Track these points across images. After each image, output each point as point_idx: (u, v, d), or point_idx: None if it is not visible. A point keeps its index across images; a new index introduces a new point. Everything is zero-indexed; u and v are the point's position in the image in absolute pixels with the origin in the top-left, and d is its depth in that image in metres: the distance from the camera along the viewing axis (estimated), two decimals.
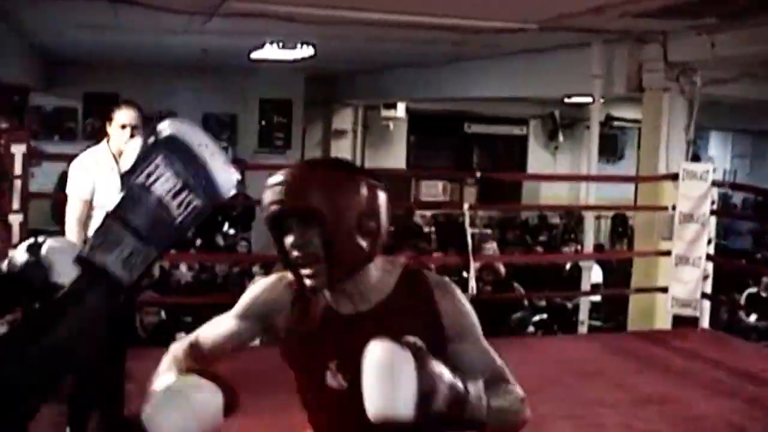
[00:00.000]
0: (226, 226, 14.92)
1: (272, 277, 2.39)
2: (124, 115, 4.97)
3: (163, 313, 7.64)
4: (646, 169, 9.02)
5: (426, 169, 18.57)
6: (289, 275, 2.27)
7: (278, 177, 2.14)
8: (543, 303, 11.18)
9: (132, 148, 5.00)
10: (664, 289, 8.17)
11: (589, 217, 9.97)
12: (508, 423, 2.22)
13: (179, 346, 2.41)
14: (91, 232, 4.55)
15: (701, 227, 7.95)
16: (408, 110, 17.34)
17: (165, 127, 1.67)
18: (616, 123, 17.32)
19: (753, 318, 11.07)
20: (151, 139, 1.66)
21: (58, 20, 9.78)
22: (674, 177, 8.14)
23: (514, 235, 16.22)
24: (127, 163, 4.97)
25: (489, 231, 15.65)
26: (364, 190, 2.18)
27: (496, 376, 2.28)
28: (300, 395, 2.37)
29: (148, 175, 1.62)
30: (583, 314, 8.99)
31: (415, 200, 17.74)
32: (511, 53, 10.80)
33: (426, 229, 15.69)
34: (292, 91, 16.79)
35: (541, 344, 8.59)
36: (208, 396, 2.07)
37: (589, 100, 10.50)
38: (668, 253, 8.14)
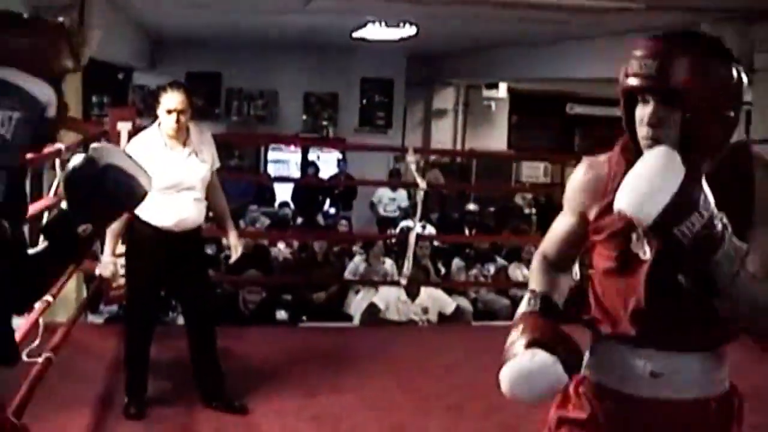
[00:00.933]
0: (327, 205, 15.00)
1: (580, 167, 2.39)
2: (169, 100, 4.87)
3: (264, 292, 7.69)
4: None
5: (527, 150, 18.38)
6: (595, 158, 2.35)
7: (647, 49, 2.12)
8: None
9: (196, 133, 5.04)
10: None
11: None
12: (756, 314, 2.10)
13: (535, 261, 2.51)
14: (143, 213, 4.82)
15: None
16: (509, 90, 17.21)
17: None
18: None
19: None
20: None
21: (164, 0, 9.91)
22: None
23: None
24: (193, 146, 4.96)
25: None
26: (734, 78, 2.10)
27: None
28: (603, 264, 2.32)
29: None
30: None
31: (517, 181, 17.64)
32: (616, 33, 10.59)
33: (527, 211, 15.53)
34: (394, 70, 16.77)
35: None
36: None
37: None
38: None
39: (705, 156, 2.11)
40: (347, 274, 9.49)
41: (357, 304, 8.64)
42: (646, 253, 2.19)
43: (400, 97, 17.08)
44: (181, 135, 4.92)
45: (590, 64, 12.14)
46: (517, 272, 10.74)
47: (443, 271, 10.74)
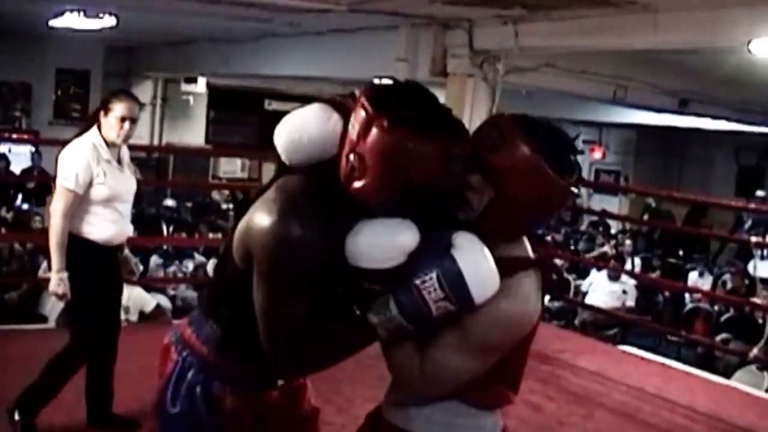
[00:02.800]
0: (19, 200, 14.33)
1: None
2: (124, 108, 4.59)
3: None
4: None
5: (225, 146, 18.34)
6: None
7: None
8: None
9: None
10: None
11: None
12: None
13: None
14: (86, 227, 4.58)
15: None
16: (209, 85, 17.09)
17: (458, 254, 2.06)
18: None
19: (546, 299, 11.42)
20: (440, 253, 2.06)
21: None
22: None
23: None
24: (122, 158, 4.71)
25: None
26: None
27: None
28: None
29: (423, 281, 2.05)
30: None
31: (214, 177, 17.57)
32: (319, 33, 10.76)
33: (224, 206, 15.51)
34: (91, 61, 16.21)
35: None
36: None
37: None
38: None
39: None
40: (41, 273, 9.12)
41: (53, 304, 8.32)
42: None
43: (97, 89, 16.51)
44: (120, 145, 4.68)
45: (291, 62, 12.26)
46: None
47: (141, 268, 10.57)
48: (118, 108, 4.59)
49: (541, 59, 9.04)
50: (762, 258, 13.38)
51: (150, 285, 9.09)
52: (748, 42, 6.53)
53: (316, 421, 2.71)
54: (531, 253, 2.29)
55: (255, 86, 17.58)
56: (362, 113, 2.05)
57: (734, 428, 5.81)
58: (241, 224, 2.23)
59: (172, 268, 10.68)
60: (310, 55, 11.64)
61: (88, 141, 4.61)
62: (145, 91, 17.36)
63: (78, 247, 4.56)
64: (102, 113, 4.61)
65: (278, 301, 2.12)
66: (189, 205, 14.99)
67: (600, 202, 18.63)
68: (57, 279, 4.58)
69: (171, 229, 12.97)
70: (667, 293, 12.84)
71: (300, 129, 2.30)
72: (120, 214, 4.66)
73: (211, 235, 12.29)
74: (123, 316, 7.56)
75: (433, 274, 2.04)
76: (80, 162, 4.53)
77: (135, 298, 7.86)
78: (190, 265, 10.85)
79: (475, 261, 2.05)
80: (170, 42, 14.69)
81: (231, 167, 18.27)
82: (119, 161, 4.69)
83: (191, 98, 17.42)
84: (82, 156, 4.54)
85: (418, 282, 2.05)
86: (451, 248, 2.07)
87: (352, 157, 2.06)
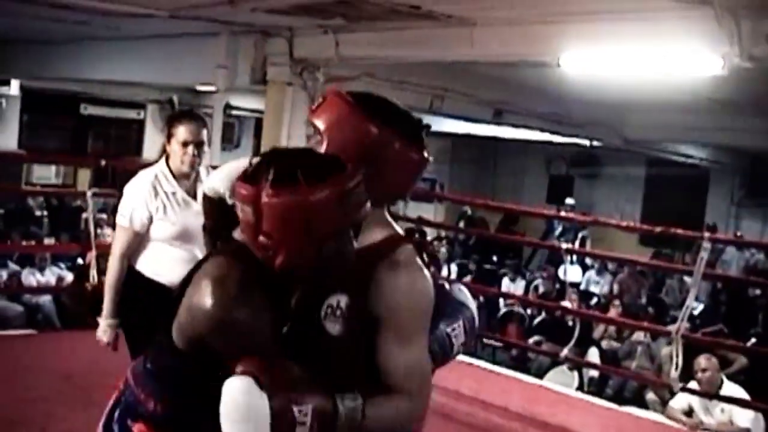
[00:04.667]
0: None
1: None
2: (186, 131, 4.19)
3: None
4: None
5: (39, 150, 17.83)
6: None
7: None
8: None
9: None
10: None
11: None
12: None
13: None
14: (143, 266, 4.19)
15: None
16: (22, 87, 16.60)
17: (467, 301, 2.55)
18: (234, 112, 17.45)
19: None
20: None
21: None
22: None
23: None
24: (196, 188, 4.19)
25: (104, 216, 15.30)
26: None
27: (396, 386, 2.20)
28: None
29: (453, 329, 2.44)
30: None
31: (27, 182, 17.06)
32: (139, 37, 10.62)
33: (38, 213, 15.11)
34: None
35: None
36: None
37: (208, 87, 10.52)
38: None
39: None
40: None
41: None
42: None
43: None
44: (192, 174, 4.24)
45: (109, 66, 12.08)
46: (30, 278, 10.47)
47: None
48: (180, 132, 4.22)
49: (361, 69, 9.16)
50: (571, 263, 13.94)
51: None
52: (559, 57, 6.79)
53: None
54: (399, 230, 2.37)
55: (71, 90, 17.16)
56: (243, 192, 2.05)
57: (547, 425, 6.05)
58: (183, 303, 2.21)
59: None
60: (130, 60, 11.48)
61: (151, 172, 4.26)
62: None
63: (141, 287, 4.20)
64: (167, 141, 4.27)
65: None
66: (1, 211, 14.52)
67: (416, 209, 18.91)
68: (105, 326, 4.30)
69: None
70: (481, 298, 13.20)
71: None
72: (191, 253, 4.10)
73: (24, 243, 11.97)
74: None
75: (459, 323, 2.45)
76: (136, 197, 4.18)
77: None
78: (3, 274, 10.55)
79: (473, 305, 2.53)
80: None
81: (45, 173, 17.76)
82: (190, 193, 4.24)
83: (4, 101, 16.87)
84: (138, 190, 4.20)
85: (449, 331, 2.43)
86: (452, 294, 2.53)
87: (261, 238, 2.05)
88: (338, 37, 8.13)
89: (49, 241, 12.53)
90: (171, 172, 4.23)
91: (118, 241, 4.21)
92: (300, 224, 2.01)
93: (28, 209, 15.03)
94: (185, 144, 4.18)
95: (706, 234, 6.56)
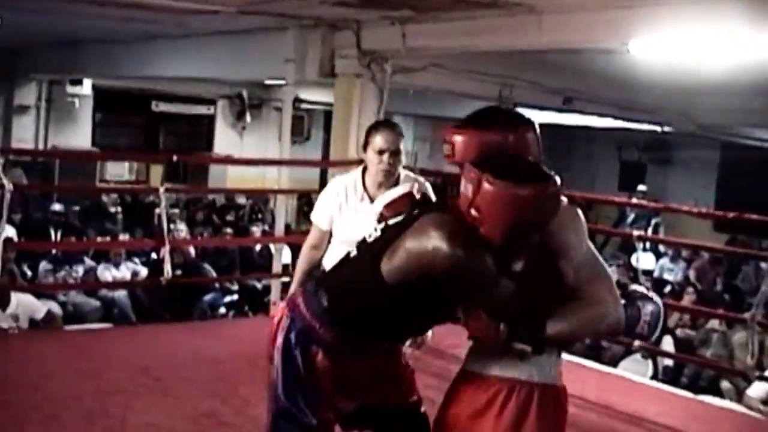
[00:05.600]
0: None
1: None
2: (382, 140, 4.38)
3: None
4: (337, 153, 9.20)
5: (112, 148, 18.09)
6: None
7: None
8: (234, 285, 11.23)
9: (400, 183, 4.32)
10: None
11: (280, 201, 9.95)
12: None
13: None
14: (326, 263, 4.55)
15: None
16: (94, 87, 16.86)
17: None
18: (303, 105, 17.53)
19: None
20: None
21: None
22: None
23: (201, 215, 16.11)
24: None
25: (176, 211, 15.47)
26: None
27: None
28: None
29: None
30: (275, 295, 9.08)
31: (101, 180, 17.32)
32: (206, 34, 10.72)
33: (112, 209, 15.32)
34: None
35: (234, 326, 8.63)
36: None
37: (277, 81, 10.55)
38: None
39: None
40: None
41: None
42: None
43: None
44: (390, 182, 4.40)
45: (178, 63, 12.22)
46: (106, 273, 10.63)
47: (30, 274, 10.41)
48: (377, 141, 4.41)
49: (428, 59, 9.16)
50: (644, 250, 13.78)
51: (40, 291, 8.97)
52: (628, 43, 6.73)
53: (407, 377, 3.41)
54: None
55: (141, 87, 17.39)
56: (471, 175, 2.66)
57: (621, 414, 6.00)
58: (407, 249, 2.74)
59: (61, 274, 10.54)
60: (198, 57, 11.61)
61: (341, 178, 4.65)
62: (29, 93, 17.06)
63: None
64: (363, 150, 4.50)
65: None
66: (76, 209, 14.75)
67: None
68: None
69: (59, 234, 12.75)
70: None
71: None
72: None
73: (99, 239, 12.15)
74: (12, 324, 7.49)
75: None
76: (323, 197, 4.65)
77: (24, 305, 7.74)
78: (80, 270, 10.72)
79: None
80: (55, 43, 14.43)
81: (118, 170, 18.04)
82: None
83: (77, 100, 17.15)
84: (326, 191, 4.65)
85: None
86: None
87: (472, 211, 2.65)
88: (405, 28, 8.11)
89: (123, 237, 12.68)
90: (363, 182, 4.52)
91: (311, 233, 4.71)
92: (502, 210, 2.62)
93: (102, 206, 15.24)
94: (381, 152, 4.38)
95: None
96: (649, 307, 2.95)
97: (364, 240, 2.95)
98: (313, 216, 4.67)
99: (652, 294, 3.07)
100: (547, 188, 2.69)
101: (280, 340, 2.98)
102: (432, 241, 2.66)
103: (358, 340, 2.96)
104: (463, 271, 2.66)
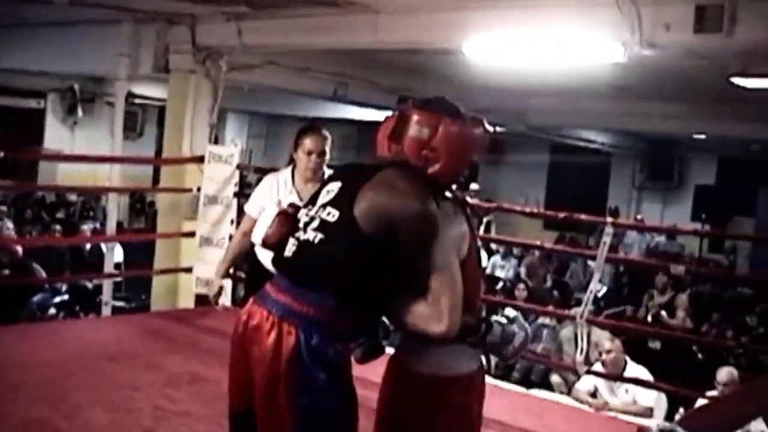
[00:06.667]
0: None
1: None
2: (311, 142, 5.12)
3: None
4: (170, 150, 9.07)
5: None
6: None
7: None
8: (64, 285, 10.92)
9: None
10: (189, 269, 8.34)
11: (112, 199, 9.68)
12: None
13: None
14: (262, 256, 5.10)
15: (225, 209, 8.20)
16: None
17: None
18: (137, 100, 17.16)
19: None
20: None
21: None
22: (200, 159, 8.33)
23: (30, 212, 15.59)
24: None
25: (4, 208, 14.96)
26: None
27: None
28: None
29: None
30: (107, 295, 8.89)
31: None
32: (37, 24, 10.38)
33: None
34: None
35: (64, 327, 8.40)
36: None
37: (110, 75, 10.33)
38: (192, 234, 8.30)
39: None
40: None
41: None
42: None
43: None
44: (316, 178, 5.09)
45: (6, 54, 11.82)
46: None
47: None
48: (306, 143, 5.18)
49: (264, 57, 9.12)
50: None
51: None
52: (462, 44, 6.83)
53: None
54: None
55: None
56: (422, 119, 2.92)
57: None
58: (373, 201, 2.82)
59: None
60: (30, 48, 11.23)
61: (275, 174, 5.48)
62: None
63: (257, 268, 5.18)
64: (294, 150, 5.26)
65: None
66: None
67: None
68: (215, 283, 5.36)
69: None
70: None
71: None
72: None
73: None
74: None
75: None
76: (258, 190, 5.47)
77: None
78: None
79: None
80: None
81: None
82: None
83: None
84: (262, 183, 5.47)
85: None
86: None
87: (424, 152, 2.88)
88: (241, 24, 8.07)
89: None
90: (293, 178, 5.31)
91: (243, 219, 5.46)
92: (460, 148, 2.94)
93: None
94: (309, 153, 5.15)
95: (609, 219, 6.64)
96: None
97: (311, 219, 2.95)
98: (247, 207, 5.40)
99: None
100: (487, 130, 3.03)
101: (305, 364, 2.80)
102: (402, 196, 2.81)
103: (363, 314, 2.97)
104: (423, 223, 2.81)
